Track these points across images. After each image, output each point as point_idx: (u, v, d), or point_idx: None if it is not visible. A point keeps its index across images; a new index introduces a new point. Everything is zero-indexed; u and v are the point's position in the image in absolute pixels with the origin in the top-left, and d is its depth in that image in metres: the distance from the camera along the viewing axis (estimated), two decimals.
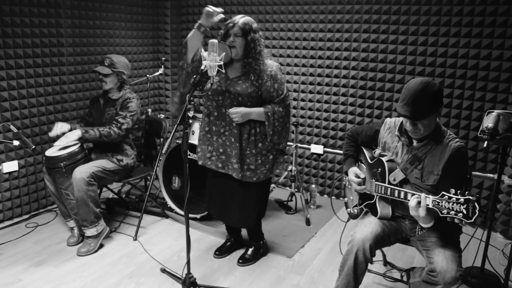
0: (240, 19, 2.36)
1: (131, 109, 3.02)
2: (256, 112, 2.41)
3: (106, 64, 2.97)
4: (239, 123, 2.42)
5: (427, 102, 1.82)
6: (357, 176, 2.21)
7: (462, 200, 1.65)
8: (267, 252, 2.92)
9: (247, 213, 2.60)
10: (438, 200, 1.72)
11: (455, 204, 1.67)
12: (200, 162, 2.61)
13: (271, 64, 2.45)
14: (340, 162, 3.84)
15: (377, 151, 2.19)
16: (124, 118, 2.98)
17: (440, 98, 1.88)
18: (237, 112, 2.38)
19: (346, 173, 2.32)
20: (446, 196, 1.70)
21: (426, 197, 1.77)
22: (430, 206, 1.75)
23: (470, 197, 1.63)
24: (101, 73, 2.97)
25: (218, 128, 2.50)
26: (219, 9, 2.30)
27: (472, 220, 1.63)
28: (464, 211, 1.64)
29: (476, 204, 1.62)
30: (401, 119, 2.08)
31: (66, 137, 2.83)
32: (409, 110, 1.84)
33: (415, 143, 2.01)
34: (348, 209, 2.39)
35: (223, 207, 2.65)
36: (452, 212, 1.67)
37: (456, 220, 1.67)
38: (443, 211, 1.70)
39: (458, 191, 1.67)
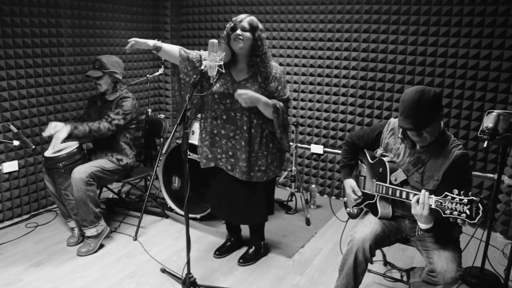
0: (248, 16, 2.37)
1: (125, 108, 2.98)
2: (264, 100, 2.33)
3: (96, 66, 2.93)
4: (245, 116, 2.39)
5: (427, 110, 1.80)
6: (353, 192, 2.24)
7: (465, 200, 1.64)
8: (267, 253, 2.92)
9: (256, 209, 2.61)
10: (441, 201, 1.72)
11: (458, 204, 1.66)
12: (212, 164, 2.56)
13: (276, 66, 2.46)
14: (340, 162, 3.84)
15: (379, 151, 2.18)
16: (116, 114, 2.94)
17: (439, 103, 1.85)
18: (246, 94, 2.27)
19: (342, 182, 2.34)
20: (449, 197, 1.69)
21: (429, 197, 1.76)
22: (433, 206, 1.74)
23: (474, 198, 1.62)
24: (93, 77, 2.94)
25: (227, 132, 2.47)
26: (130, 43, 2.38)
27: (476, 221, 1.62)
28: (468, 212, 1.64)
29: (479, 205, 1.61)
30: None
31: (56, 138, 2.73)
32: (411, 122, 1.82)
33: (418, 146, 2.00)
34: (348, 209, 2.39)
35: (231, 207, 2.64)
36: (455, 213, 1.67)
37: (459, 221, 1.67)
38: (446, 212, 1.70)
39: (462, 192, 1.67)
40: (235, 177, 2.52)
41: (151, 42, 2.37)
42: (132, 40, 2.35)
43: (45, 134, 2.82)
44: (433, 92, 1.83)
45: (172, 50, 2.41)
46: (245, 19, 2.34)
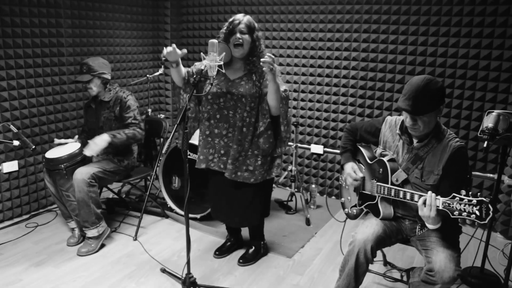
0: (244, 17, 2.35)
1: (133, 107, 3.01)
2: (281, 82, 2.31)
3: (84, 71, 2.91)
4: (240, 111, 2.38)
5: (428, 99, 1.83)
6: (355, 173, 2.19)
7: (474, 201, 1.64)
8: (267, 253, 2.92)
9: (250, 211, 2.60)
10: (449, 202, 1.72)
11: (467, 205, 1.66)
12: (203, 166, 2.55)
13: None
14: (340, 162, 3.84)
15: (378, 150, 2.18)
16: (135, 118, 2.99)
17: (442, 97, 1.88)
18: (273, 63, 2.15)
19: (342, 167, 2.30)
20: (457, 198, 1.69)
21: (436, 198, 1.76)
22: (441, 207, 1.74)
23: (484, 199, 1.63)
24: (82, 82, 2.93)
25: (220, 130, 2.47)
26: (170, 49, 2.17)
27: (486, 222, 1.63)
28: (477, 213, 1.64)
29: (490, 205, 1.61)
30: (401, 117, 2.08)
31: (95, 144, 2.76)
32: (410, 104, 1.84)
33: (415, 142, 2.01)
34: (346, 210, 2.38)
35: (227, 209, 2.64)
36: (464, 214, 1.67)
37: (467, 221, 1.67)
38: (454, 213, 1.70)
39: (470, 193, 1.67)
40: (235, 182, 2.51)
41: (179, 56, 2.24)
42: (171, 49, 2.17)
43: (57, 141, 2.94)
44: (440, 84, 1.86)
45: (182, 70, 2.40)
46: (243, 21, 2.32)
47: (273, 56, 2.14)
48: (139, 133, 2.96)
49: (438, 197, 1.75)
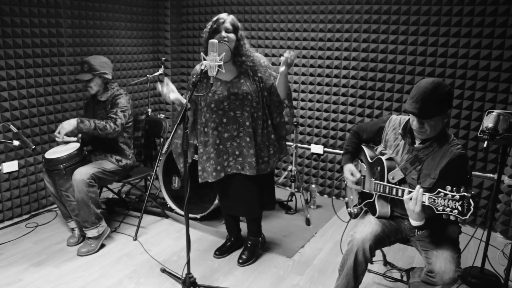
0: (228, 16, 2.35)
1: (121, 104, 2.97)
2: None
3: (85, 69, 2.90)
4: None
5: (436, 102, 1.82)
6: (352, 175, 2.22)
7: (457, 196, 1.65)
8: (265, 245, 2.92)
9: (268, 196, 2.70)
10: (434, 197, 1.72)
11: (450, 201, 1.67)
12: (222, 175, 2.50)
13: (258, 55, 2.50)
14: (340, 162, 3.84)
15: (379, 148, 2.19)
16: (116, 114, 2.94)
17: (450, 101, 1.88)
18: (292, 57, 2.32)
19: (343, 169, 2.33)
20: (442, 193, 1.70)
21: (423, 194, 1.76)
22: (426, 203, 1.75)
23: (465, 194, 1.63)
24: (83, 80, 2.92)
25: (230, 132, 2.46)
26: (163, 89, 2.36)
27: (467, 217, 1.62)
28: (459, 208, 1.64)
29: (471, 200, 1.61)
30: (406, 117, 2.08)
31: (62, 128, 2.82)
32: (417, 107, 1.83)
33: (417, 143, 2.01)
34: (349, 209, 2.40)
35: (241, 202, 2.63)
36: (448, 209, 1.67)
37: (451, 217, 1.67)
38: (438, 208, 1.71)
39: (454, 188, 1.67)
40: (240, 175, 2.51)
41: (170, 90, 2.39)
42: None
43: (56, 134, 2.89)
44: (448, 88, 1.86)
45: (182, 100, 2.42)
46: (227, 19, 2.32)
47: (294, 53, 2.31)
48: (110, 127, 2.87)
49: (425, 193, 1.76)
